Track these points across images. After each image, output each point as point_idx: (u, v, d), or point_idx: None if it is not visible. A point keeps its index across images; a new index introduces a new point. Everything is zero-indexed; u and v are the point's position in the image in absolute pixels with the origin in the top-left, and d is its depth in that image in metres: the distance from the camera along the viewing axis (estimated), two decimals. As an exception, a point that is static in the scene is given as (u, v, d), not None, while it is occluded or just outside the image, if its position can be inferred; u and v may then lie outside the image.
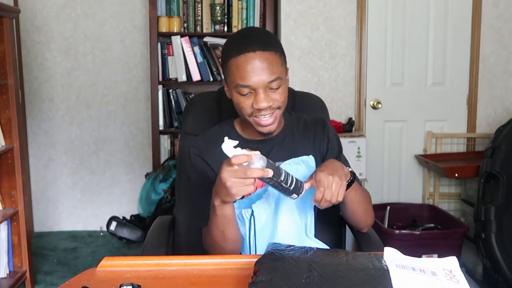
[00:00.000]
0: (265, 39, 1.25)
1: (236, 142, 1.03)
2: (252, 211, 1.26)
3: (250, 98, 1.22)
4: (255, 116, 1.24)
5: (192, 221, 1.33)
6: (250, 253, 1.26)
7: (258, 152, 1.04)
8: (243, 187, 1.04)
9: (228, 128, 1.39)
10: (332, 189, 1.13)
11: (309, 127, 1.41)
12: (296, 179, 1.11)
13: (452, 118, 3.19)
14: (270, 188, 1.28)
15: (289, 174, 1.09)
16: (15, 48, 2.54)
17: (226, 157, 1.31)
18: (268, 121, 1.24)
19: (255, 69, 1.19)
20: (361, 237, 1.44)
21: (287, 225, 1.27)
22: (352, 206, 1.30)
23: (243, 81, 1.20)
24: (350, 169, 1.26)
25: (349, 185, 1.22)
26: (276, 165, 1.08)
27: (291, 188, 1.09)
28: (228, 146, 1.03)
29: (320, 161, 1.35)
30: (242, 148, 1.23)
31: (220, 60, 3.14)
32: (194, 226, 1.32)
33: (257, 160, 1.02)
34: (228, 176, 1.04)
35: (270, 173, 1.03)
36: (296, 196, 1.12)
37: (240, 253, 1.28)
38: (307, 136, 1.39)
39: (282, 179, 1.06)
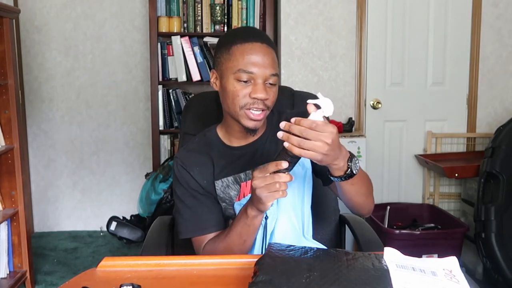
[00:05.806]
0: (270, 40, 1.28)
1: (323, 112, 1.01)
2: (267, 216, 1.25)
3: (247, 88, 1.21)
4: (247, 108, 1.22)
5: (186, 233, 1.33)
6: None
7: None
8: (272, 193, 1.03)
9: (211, 136, 1.36)
10: (308, 144, 0.98)
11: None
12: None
13: (452, 118, 3.19)
14: None
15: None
16: (15, 48, 2.54)
17: (209, 167, 1.29)
18: (259, 116, 1.22)
19: (261, 59, 1.20)
20: (361, 237, 1.44)
21: (285, 227, 1.27)
22: (349, 196, 1.19)
23: (247, 67, 1.20)
24: (354, 161, 1.09)
25: (346, 177, 1.09)
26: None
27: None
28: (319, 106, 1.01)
29: None
30: (226, 155, 1.19)
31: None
32: (187, 237, 1.32)
33: (315, 113, 1.01)
34: (258, 183, 1.04)
35: (285, 164, 1.02)
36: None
37: None
38: None
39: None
